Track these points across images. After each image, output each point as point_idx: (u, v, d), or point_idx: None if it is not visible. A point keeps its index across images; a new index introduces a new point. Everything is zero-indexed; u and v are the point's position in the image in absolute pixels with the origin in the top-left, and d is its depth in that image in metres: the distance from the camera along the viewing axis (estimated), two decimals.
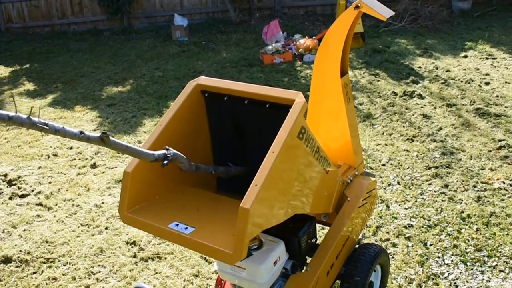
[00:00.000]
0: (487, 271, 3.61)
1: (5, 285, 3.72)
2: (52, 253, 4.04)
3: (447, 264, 3.68)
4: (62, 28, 11.75)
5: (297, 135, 2.20)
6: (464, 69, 7.67)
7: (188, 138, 2.54)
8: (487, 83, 7.06)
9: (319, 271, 2.70)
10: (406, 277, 3.56)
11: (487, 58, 8.14)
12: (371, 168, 4.95)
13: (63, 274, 3.80)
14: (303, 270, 2.71)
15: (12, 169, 5.36)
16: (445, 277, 3.56)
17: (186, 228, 2.18)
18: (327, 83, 3.03)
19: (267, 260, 2.41)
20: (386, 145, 5.44)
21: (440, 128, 5.74)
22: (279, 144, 2.10)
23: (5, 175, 5.18)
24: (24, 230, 4.34)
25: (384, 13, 2.82)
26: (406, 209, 4.32)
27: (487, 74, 7.42)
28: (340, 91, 2.99)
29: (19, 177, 5.18)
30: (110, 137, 1.81)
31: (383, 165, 5.03)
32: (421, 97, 6.65)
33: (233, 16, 11.55)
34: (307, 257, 2.83)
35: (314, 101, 3.10)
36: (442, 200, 4.40)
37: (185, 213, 2.33)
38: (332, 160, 2.62)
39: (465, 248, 3.82)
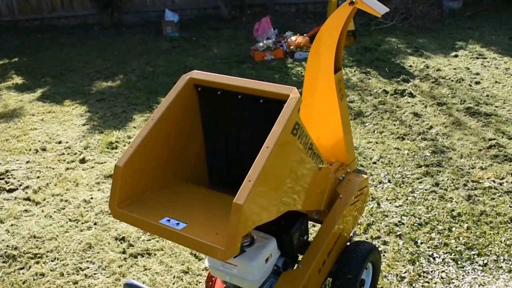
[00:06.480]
0: (478, 269, 3.61)
1: None
2: (40, 248, 3.99)
3: (438, 262, 3.68)
4: (51, 22, 11.62)
5: (291, 131, 2.18)
6: (455, 68, 7.69)
7: (180, 132, 2.51)
8: (477, 83, 7.08)
9: (311, 268, 2.68)
10: (397, 275, 3.55)
11: (477, 58, 8.17)
12: (362, 166, 4.95)
13: (51, 270, 3.76)
14: (295, 267, 2.69)
15: None
16: (436, 275, 3.56)
17: (178, 223, 2.15)
18: (320, 80, 3.01)
19: (259, 257, 2.39)
20: (377, 143, 5.43)
21: (431, 127, 5.75)
22: (273, 139, 2.07)
23: None
24: (12, 225, 4.28)
25: (379, 9, 2.80)
26: (397, 207, 4.31)
27: (477, 74, 7.44)
28: (334, 87, 2.97)
29: (7, 171, 5.12)
30: None
31: (374, 163, 5.03)
32: (412, 95, 6.66)
33: (224, 12, 11.51)
34: (298, 254, 2.81)
35: (307, 97, 3.08)
36: (433, 199, 4.41)
37: (176, 208, 2.30)
38: (324, 157, 2.60)
39: (456, 247, 3.83)
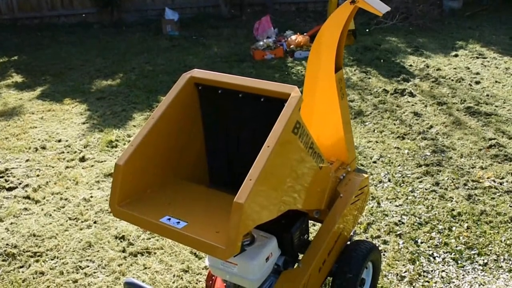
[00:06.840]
0: (478, 268, 3.61)
1: None
2: (40, 247, 3.98)
3: (438, 261, 3.68)
4: (51, 20, 11.60)
5: (292, 130, 2.17)
6: (455, 68, 7.69)
7: (181, 131, 2.50)
8: (477, 82, 7.08)
9: (311, 267, 2.67)
10: (397, 274, 3.55)
11: (477, 58, 8.17)
12: (362, 165, 4.94)
13: (50, 269, 3.75)
14: (295, 267, 2.68)
15: None
16: (436, 275, 3.55)
17: (178, 222, 2.14)
18: (321, 79, 3.00)
19: (259, 256, 2.38)
20: (377, 142, 5.43)
21: (431, 126, 5.75)
22: (274, 138, 2.07)
23: None
24: (11, 223, 4.28)
25: (380, 8, 2.79)
26: (397, 206, 4.31)
27: (477, 73, 7.44)
28: (334, 86, 2.97)
29: (6, 169, 5.11)
30: None
31: (374, 162, 5.02)
32: (412, 95, 6.66)
33: (224, 11, 11.50)
34: (299, 253, 2.81)
35: (308, 96, 3.07)
36: (433, 198, 4.40)
37: (177, 207, 2.29)
38: (325, 156, 2.60)
39: (456, 246, 3.82)
